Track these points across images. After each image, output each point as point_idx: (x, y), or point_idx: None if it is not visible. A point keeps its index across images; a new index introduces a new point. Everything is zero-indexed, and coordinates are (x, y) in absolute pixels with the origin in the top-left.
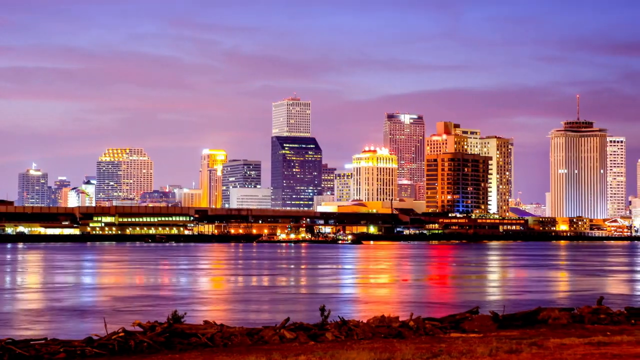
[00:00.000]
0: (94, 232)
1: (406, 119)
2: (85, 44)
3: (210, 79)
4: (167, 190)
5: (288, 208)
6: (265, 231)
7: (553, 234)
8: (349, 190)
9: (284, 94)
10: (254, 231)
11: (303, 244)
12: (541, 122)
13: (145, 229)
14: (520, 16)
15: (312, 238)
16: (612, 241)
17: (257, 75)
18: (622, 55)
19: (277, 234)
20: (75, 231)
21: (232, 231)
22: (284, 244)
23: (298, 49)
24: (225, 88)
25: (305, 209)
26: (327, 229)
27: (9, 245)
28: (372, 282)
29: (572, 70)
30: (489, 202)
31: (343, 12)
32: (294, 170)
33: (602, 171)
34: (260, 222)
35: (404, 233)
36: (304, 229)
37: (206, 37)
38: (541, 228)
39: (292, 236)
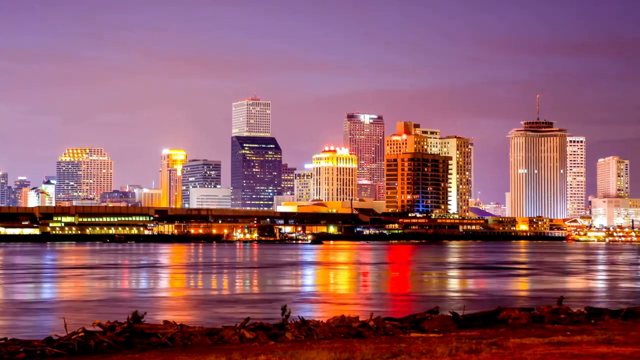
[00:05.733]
0: (54, 232)
1: (366, 118)
2: (4, 45)
3: (136, 79)
4: (127, 190)
5: (248, 208)
6: (225, 231)
7: (513, 233)
8: (309, 190)
9: (228, 94)
10: (214, 231)
11: (254, 245)
12: (484, 123)
13: (105, 229)
14: (436, 17)
15: (270, 238)
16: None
17: (178, 74)
18: (545, 55)
19: (233, 234)
20: (35, 231)
21: (192, 231)
22: (240, 244)
23: (216, 50)
24: (155, 87)
25: (265, 208)
26: (287, 229)
27: None
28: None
29: (494, 70)
30: (449, 202)
31: (252, 13)
32: (254, 170)
33: (562, 171)
34: (220, 222)
35: (364, 233)
36: (263, 229)
37: (122, 36)
38: (501, 228)
39: (248, 236)
